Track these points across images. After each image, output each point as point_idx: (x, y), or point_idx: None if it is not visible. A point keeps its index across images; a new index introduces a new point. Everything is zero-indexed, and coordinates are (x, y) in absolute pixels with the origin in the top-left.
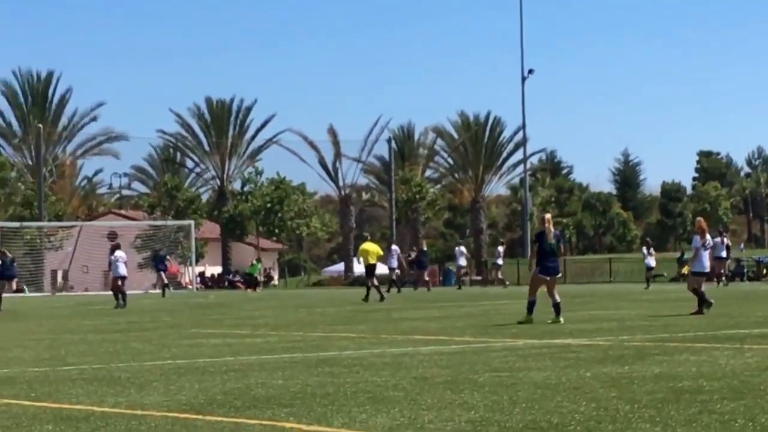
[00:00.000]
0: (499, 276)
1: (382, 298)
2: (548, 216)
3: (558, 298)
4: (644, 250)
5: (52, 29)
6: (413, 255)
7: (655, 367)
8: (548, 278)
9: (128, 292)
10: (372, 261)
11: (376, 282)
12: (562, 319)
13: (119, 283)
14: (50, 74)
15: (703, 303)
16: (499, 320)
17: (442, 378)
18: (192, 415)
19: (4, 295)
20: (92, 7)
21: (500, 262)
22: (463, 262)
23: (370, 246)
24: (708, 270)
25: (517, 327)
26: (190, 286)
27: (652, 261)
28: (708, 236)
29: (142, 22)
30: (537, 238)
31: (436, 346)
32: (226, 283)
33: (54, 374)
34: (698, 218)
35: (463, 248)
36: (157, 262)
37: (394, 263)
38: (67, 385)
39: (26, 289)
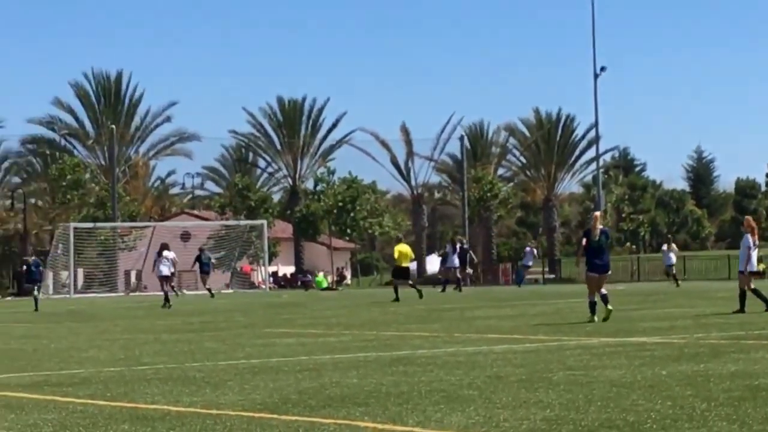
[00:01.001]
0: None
1: (420, 296)
2: (597, 214)
3: (604, 291)
4: (664, 247)
5: (123, 29)
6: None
7: (732, 365)
8: (597, 276)
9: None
10: (406, 264)
11: (411, 281)
12: (610, 307)
13: (163, 282)
14: (121, 74)
15: (744, 303)
16: (572, 318)
17: (517, 376)
18: (267, 414)
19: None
20: (163, 6)
21: (530, 263)
22: (530, 261)
23: (405, 248)
24: (756, 269)
25: (590, 325)
26: (263, 286)
27: (673, 257)
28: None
29: (213, 22)
30: (585, 236)
31: (510, 345)
32: (299, 283)
33: (129, 374)
34: (747, 217)
35: (533, 248)
36: (202, 264)
37: (456, 262)
38: (142, 385)
39: (38, 293)
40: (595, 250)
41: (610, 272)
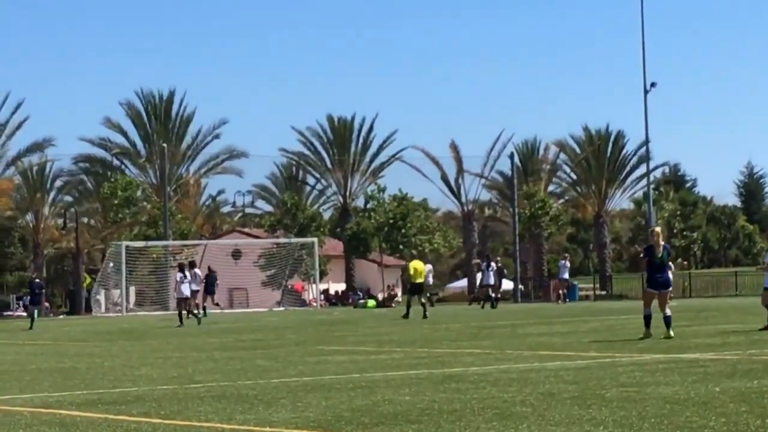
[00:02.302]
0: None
1: (425, 316)
2: (657, 230)
3: (668, 312)
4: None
5: (172, 48)
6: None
7: None
8: (657, 292)
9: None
10: (420, 280)
11: (424, 300)
12: (672, 333)
13: (183, 303)
14: (172, 93)
15: None
16: (624, 335)
17: (569, 393)
18: (320, 431)
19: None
20: (212, 25)
21: (565, 275)
22: (565, 274)
23: (419, 264)
24: None
25: (643, 342)
26: (314, 304)
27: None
28: None
29: (262, 40)
30: (646, 253)
31: (562, 362)
32: (350, 300)
33: (182, 392)
34: None
35: (567, 262)
36: (209, 284)
37: (491, 280)
38: (195, 403)
39: (35, 315)
40: (657, 267)
41: (671, 288)
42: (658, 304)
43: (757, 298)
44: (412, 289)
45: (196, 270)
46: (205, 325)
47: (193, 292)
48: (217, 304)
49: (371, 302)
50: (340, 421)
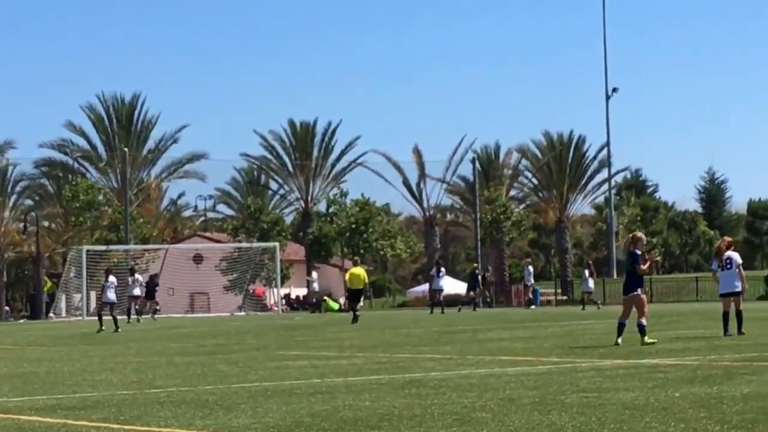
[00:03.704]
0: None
1: (354, 321)
2: (641, 234)
3: (644, 321)
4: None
5: (135, 52)
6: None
7: (745, 387)
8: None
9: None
10: (359, 286)
11: (357, 307)
12: (648, 339)
13: (108, 307)
14: (136, 97)
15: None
16: (585, 340)
17: (530, 399)
18: None
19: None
20: (174, 29)
21: (531, 281)
22: (530, 280)
23: (359, 271)
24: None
25: (604, 347)
26: (276, 308)
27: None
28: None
29: (225, 45)
30: (637, 257)
31: (523, 367)
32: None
33: (142, 397)
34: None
35: (531, 267)
36: (150, 290)
37: (441, 284)
38: (155, 408)
39: None
40: (630, 273)
41: (631, 293)
42: (633, 309)
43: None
44: (351, 295)
45: (137, 275)
46: (165, 329)
47: (134, 297)
48: (156, 311)
49: (334, 303)
50: (300, 426)
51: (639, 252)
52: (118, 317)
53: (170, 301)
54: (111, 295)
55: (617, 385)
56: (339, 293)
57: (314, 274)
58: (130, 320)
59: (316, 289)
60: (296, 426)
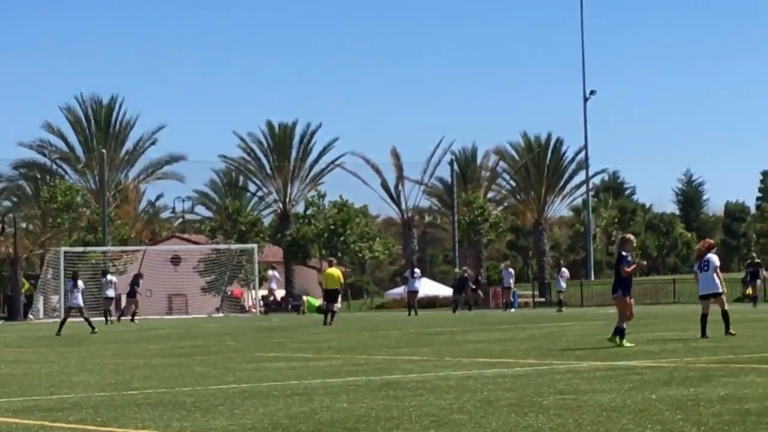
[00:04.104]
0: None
1: (325, 323)
2: (632, 237)
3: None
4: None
5: (114, 53)
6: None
7: (721, 389)
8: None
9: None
10: (335, 286)
11: (335, 308)
12: (626, 343)
13: (74, 312)
14: (114, 99)
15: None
16: (563, 342)
17: (507, 401)
18: None
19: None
20: (154, 31)
21: (511, 283)
22: (510, 283)
23: (334, 271)
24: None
25: (581, 349)
26: (254, 310)
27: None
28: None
29: (205, 46)
30: (625, 260)
31: (500, 369)
32: (290, 307)
33: (119, 399)
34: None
35: (511, 269)
36: (132, 286)
37: (416, 286)
38: (132, 410)
39: None
40: (630, 276)
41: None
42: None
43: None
44: (327, 295)
45: (110, 277)
46: (143, 331)
47: (109, 299)
48: (134, 313)
49: (314, 300)
50: (277, 428)
51: (625, 253)
52: (96, 319)
53: (148, 302)
54: (76, 299)
55: (594, 387)
56: (317, 295)
57: (271, 272)
58: (108, 322)
59: (275, 287)
60: (273, 428)
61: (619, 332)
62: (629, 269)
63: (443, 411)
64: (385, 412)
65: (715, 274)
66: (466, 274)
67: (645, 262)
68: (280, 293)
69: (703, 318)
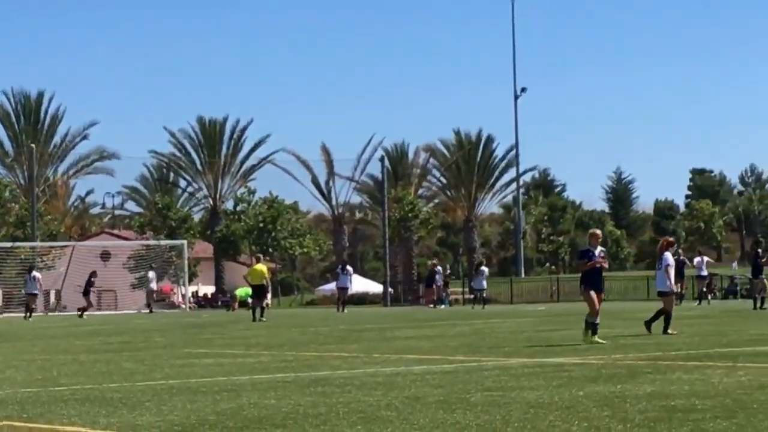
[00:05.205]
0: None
1: (254, 319)
2: (598, 232)
3: (598, 319)
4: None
5: (43, 48)
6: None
7: (648, 386)
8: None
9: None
10: (260, 282)
11: (264, 303)
12: (596, 339)
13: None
14: (42, 94)
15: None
16: (491, 339)
17: (435, 397)
18: None
19: None
20: (83, 26)
21: (440, 283)
22: (441, 281)
23: (259, 267)
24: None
25: (509, 346)
26: (183, 306)
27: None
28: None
29: (135, 42)
30: (587, 256)
31: (429, 366)
32: (219, 303)
33: (46, 395)
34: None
35: (439, 267)
36: (87, 285)
37: (348, 283)
38: (59, 406)
39: None
40: (597, 270)
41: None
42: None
43: (622, 303)
44: (253, 291)
45: (35, 273)
46: (71, 327)
47: (32, 295)
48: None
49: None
50: (205, 424)
51: (588, 248)
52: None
53: (77, 298)
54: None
55: (522, 383)
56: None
57: (151, 274)
58: (27, 317)
59: (154, 288)
60: (201, 424)
61: (590, 326)
62: (587, 265)
63: (371, 407)
64: (312, 408)
65: (665, 273)
66: (436, 268)
67: (606, 264)
68: (208, 289)
69: (660, 313)
